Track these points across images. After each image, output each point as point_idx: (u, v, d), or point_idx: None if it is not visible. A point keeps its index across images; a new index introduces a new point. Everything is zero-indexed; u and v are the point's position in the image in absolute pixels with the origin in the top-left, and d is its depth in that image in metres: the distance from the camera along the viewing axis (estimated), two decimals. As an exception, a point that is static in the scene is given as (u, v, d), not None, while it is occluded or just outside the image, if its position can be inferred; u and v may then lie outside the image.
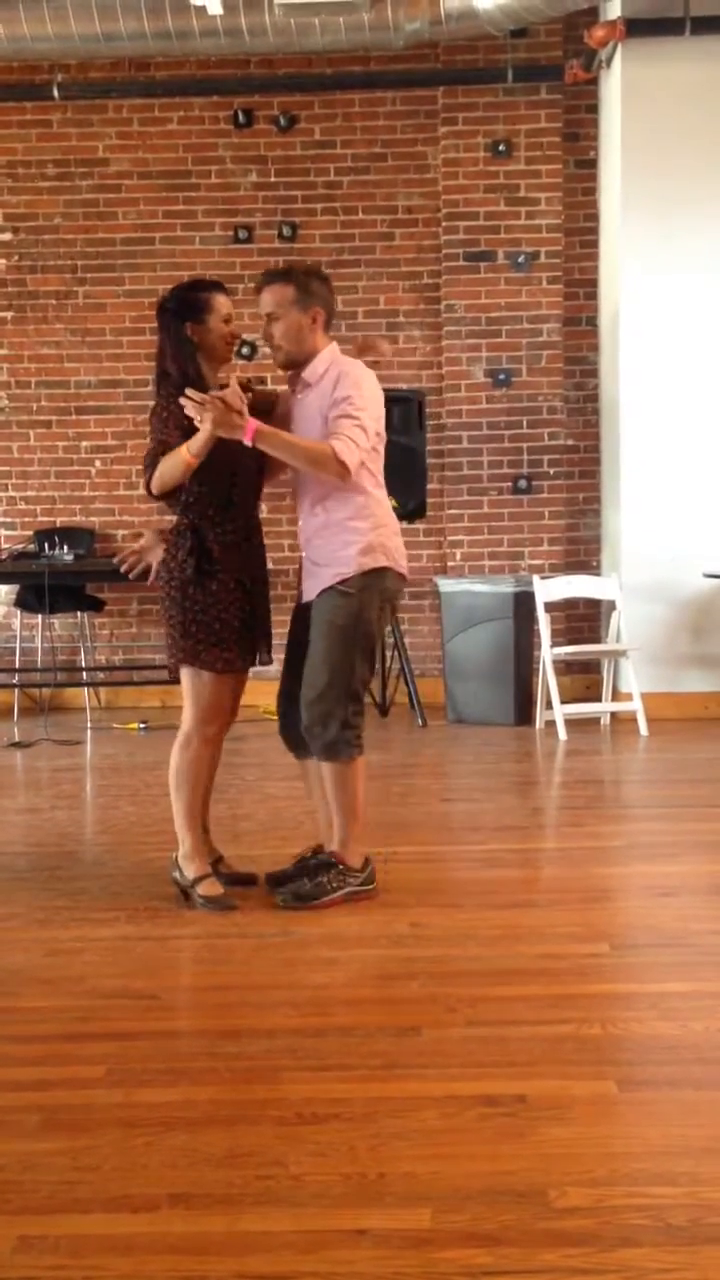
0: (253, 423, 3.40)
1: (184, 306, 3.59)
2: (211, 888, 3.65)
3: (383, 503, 3.66)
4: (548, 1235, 1.94)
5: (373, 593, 3.59)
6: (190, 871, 3.66)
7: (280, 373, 3.76)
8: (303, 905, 3.59)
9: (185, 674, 3.64)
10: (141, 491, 7.60)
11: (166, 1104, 2.42)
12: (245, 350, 7.05)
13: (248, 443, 3.39)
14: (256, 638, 3.69)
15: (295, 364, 3.61)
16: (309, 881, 3.64)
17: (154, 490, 3.54)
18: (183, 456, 3.44)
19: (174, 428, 3.50)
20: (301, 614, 3.70)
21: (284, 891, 3.65)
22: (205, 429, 3.38)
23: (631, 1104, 2.40)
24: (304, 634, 3.66)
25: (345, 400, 3.49)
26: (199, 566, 3.57)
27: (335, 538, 3.58)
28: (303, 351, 3.58)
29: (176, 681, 3.73)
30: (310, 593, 3.64)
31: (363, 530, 3.57)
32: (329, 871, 3.65)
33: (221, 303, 3.60)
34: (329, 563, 3.58)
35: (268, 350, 3.73)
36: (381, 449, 3.66)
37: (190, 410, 3.38)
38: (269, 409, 3.69)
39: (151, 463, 3.52)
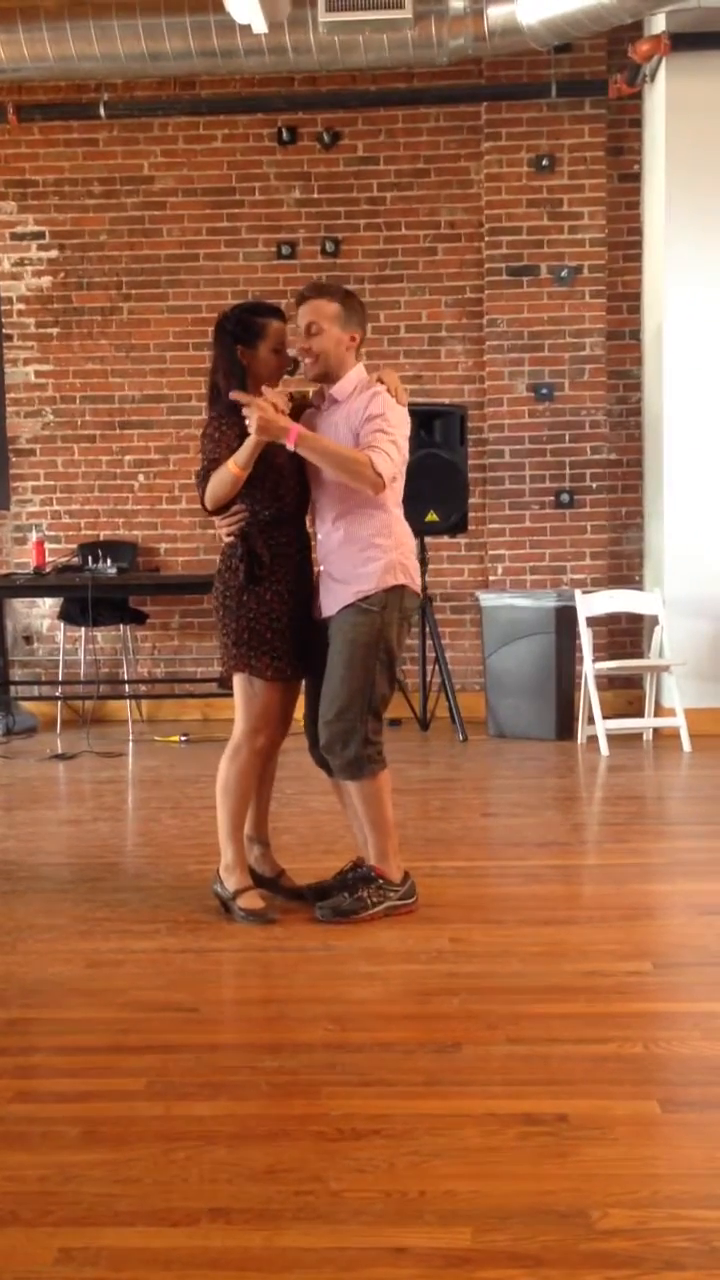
0: (295, 427, 3.43)
1: (240, 328, 3.62)
2: (252, 900, 3.65)
3: (403, 522, 3.69)
4: (590, 1256, 1.92)
5: (393, 610, 3.60)
6: (231, 884, 3.67)
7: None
8: (343, 920, 3.59)
9: (237, 682, 3.66)
10: (184, 506, 7.71)
11: (207, 1118, 2.42)
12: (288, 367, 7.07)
13: (290, 446, 3.42)
14: (305, 648, 3.70)
15: (327, 379, 3.64)
16: (349, 896, 3.64)
17: (208, 506, 3.58)
18: (230, 470, 3.48)
19: (225, 447, 3.54)
20: (319, 631, 3.70)
21: (324, 906, 3.65)
22: (250, 436, 3.42)
23: (674, 1125, 2.37)
24: (323, 653, 3.66)
25: (379, 417, 3.52)
26: (250, 573, 3.60)
27: (358, 554, 3.59)
28: (337, 367, 3.62)
29: (228, 691, 3.75)
30: (329, 609, 3.64)
31: (385, 548, 3.59)
32: (369, 886, 3.64)
33: (276, 330, 3.62)
34: (350, 580, 3.59)
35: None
36: (404, 473, 3.68)
37: (245, 411, 3.42)
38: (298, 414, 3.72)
39: (203, 479, 3.56)
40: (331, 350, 3.59)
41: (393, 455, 3.50)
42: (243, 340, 3.60)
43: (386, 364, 7.00)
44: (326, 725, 3.58)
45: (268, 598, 3.61)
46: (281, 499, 3.61)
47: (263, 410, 3.39)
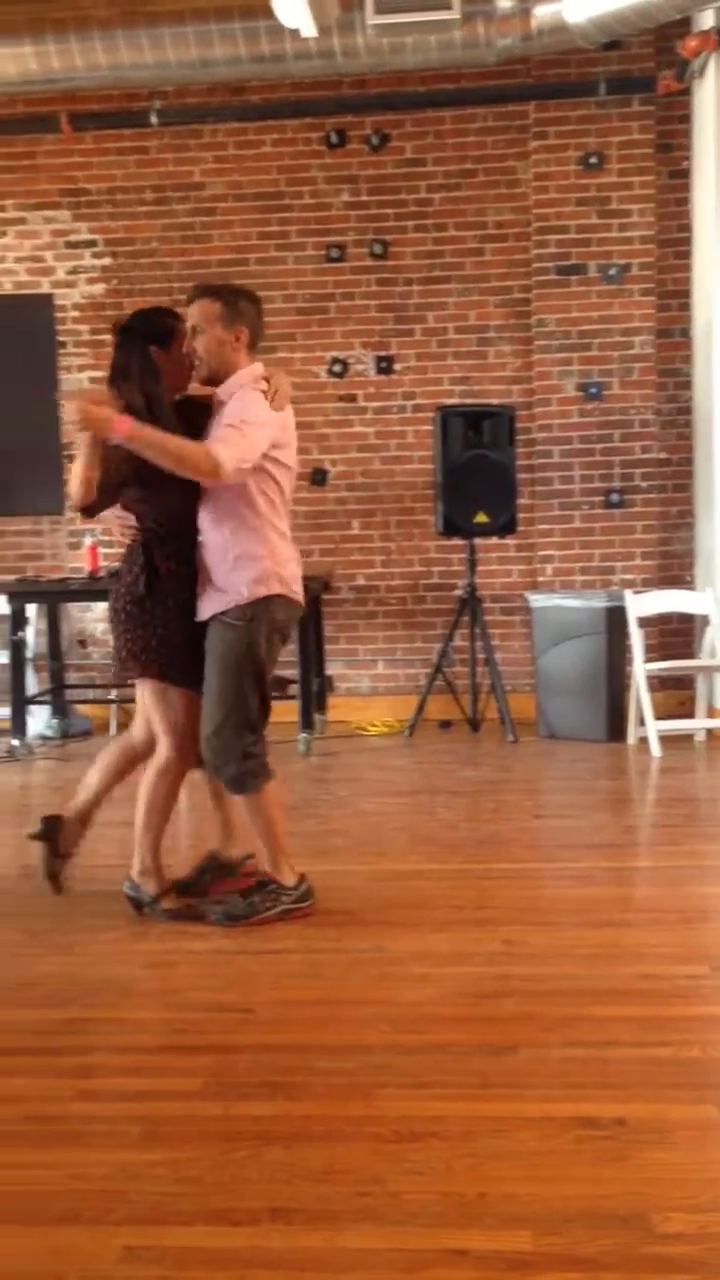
0: (124, 423, 3.39)
1: (153, 329, 3.63)
2: (173, 901, 3.77)
3: (283, 534, 3.66)
4: (651, 1260, 1.92)
5: (260, 623, 3.59)
6: (151, 889, 3.76)
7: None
8: (234, 924, 3.63)
9: (153, 700, 3.68)
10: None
11: (264, 1118, 2.44)
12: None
13: (118, 439, 3.39)
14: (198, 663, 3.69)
15: (215, 380, 3.61)
16: (243, 901, 3.68)
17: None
18: (80, 475, 3.50)
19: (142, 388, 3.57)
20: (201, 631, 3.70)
21: (218, 911, 3.69)
22: (83, 436, 3.44)
23: (733, 1130, 2.36)
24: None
25: (236, 413, 3.49)
26: (149, 585, 3.62)
27: (233, 563, 3.58)
28: (223, 368, 3.59)
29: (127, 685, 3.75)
30: (205, 612, 3.64)
31: (259, 557, 3.58)
32: (262, 891, 3.68)
33: (183, 332, 3.63)
34: (226, 587, 3.59)
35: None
36: (285, 480, 3.65)
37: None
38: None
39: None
40: (214, 351, 3.57)
41: (234, 441, 3.44)
42: (156, 341, 3.61)
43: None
44: (206, 742, 3.61)
45: (170, 605, 3.63)
46: (172, 512, 3.62)
47: (84, 407, 3.37)
